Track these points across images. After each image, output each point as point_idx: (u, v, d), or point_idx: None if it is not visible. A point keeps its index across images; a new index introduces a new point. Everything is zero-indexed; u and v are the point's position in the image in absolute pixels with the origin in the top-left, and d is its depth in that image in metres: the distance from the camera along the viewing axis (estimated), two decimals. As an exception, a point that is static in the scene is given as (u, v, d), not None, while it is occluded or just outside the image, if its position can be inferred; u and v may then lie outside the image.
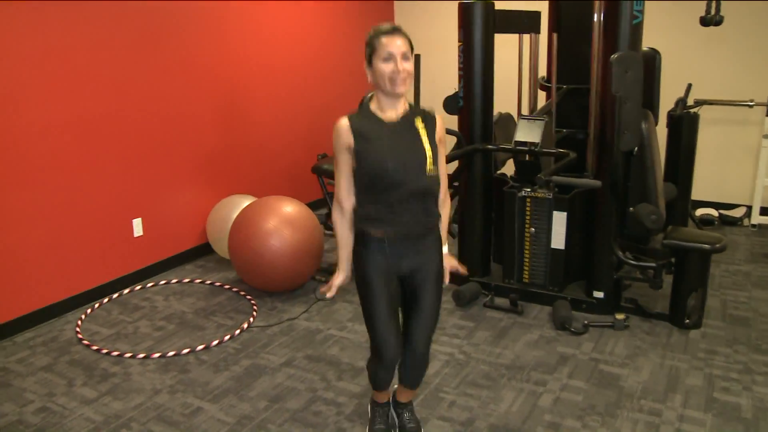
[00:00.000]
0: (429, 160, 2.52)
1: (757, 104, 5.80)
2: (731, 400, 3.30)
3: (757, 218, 6.02)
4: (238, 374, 3.64)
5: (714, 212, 6.23)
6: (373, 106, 2.57)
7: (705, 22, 3.98)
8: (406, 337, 2.74)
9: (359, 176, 2.55)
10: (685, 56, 6.25)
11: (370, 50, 2.47)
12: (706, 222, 6.12)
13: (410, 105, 2.59)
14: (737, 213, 6.22)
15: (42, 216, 4.27)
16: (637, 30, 3.94)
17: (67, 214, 4.41)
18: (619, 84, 3.74)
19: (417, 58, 6.59)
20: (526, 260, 4.48)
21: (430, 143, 2.54)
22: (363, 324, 3.95)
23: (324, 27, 6.75)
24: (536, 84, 5.03)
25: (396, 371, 2.85)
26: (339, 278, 2.70)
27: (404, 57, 2.43)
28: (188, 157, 5.20)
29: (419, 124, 2.55)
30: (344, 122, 2.51)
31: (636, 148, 3.99)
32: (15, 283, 4.17)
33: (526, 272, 4.50)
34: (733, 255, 5.37)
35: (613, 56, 3.75)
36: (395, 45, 2.41)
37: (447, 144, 2.77)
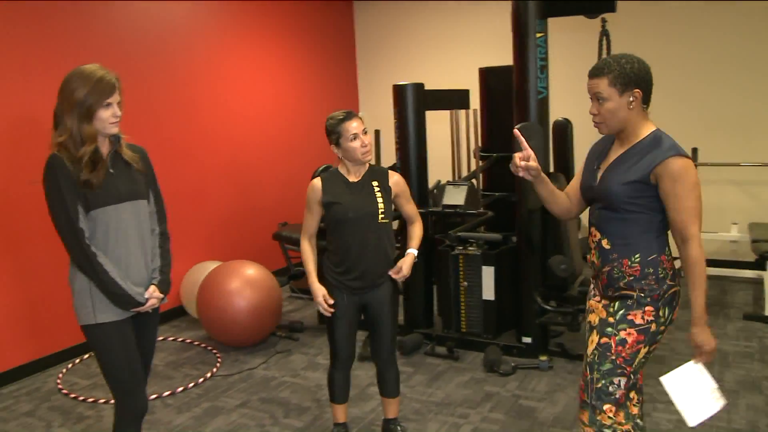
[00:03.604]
0: (380, 212, 3.22)
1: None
2: (629, 425, 3.76)
3: (691, 269, 6.50)
4: (198, 414, 4.12)
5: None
6: (342, 170, 3.30)
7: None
8: (373, 351, 3.46)
9: (328, 222, 3.29)
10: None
11: (337, 136, 3.20)
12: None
13: (369, 167, 3.32)
14: (677, 264, 6.71)
15: (26, 277, 4.81)
16: (542, 103, 4.54)
17: (51, 276, 4.92)
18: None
19: (377, 133, 7.25)
20: (463, 311, 4.98)
21: (383, 198, 3.25)
22: (315, 371, 4.50)
23: (290, 105, 7.42)
24: (472, 154, 5.64)
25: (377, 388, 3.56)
26: (320, 290, 3.27)
27: (364, 132, 3.19)
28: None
29: (374, 183, 3.27)
30: (318, 181, 3.28)
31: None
32: (2, 339, 4.68)
33: (464, 322, 4.99)
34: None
35: (516, 126, 4.35)
36: (354, 126, 3.17)
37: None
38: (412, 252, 3.35)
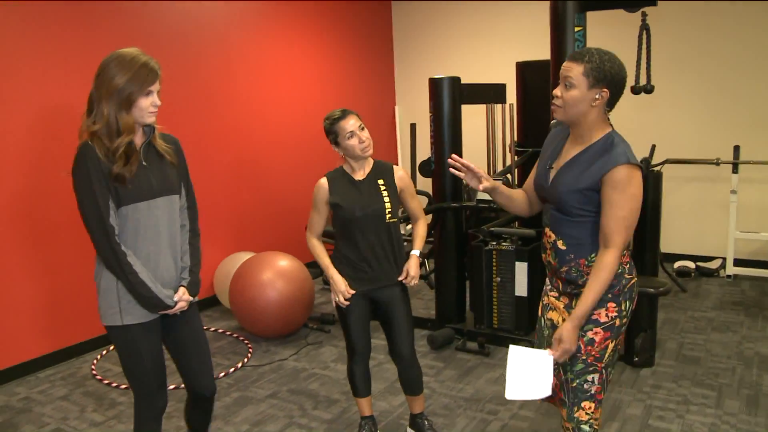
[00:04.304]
0: (387, 211, 3.19)
1: (723, 162, 6.26)
2: (663, 426, 3.67)
3: (731, 269, 6.39)
4: (228, 404, 4.15)
5: (691, 264, 6.62)
6: (346, 168, 3.27)
7: (635, 90, 4.46)
8: (392, 349, 3.40)
9: (335, 222, 3.27)
10: (650, 119, 6.76)
11: (334, 135, 3.18)
12: (682, 273, 6.51)
13: (374, 163, 3.28)
14: (713, 265, 6.60)
15: (66, 264, 4.91)
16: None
17: (89, 264, 4.99)
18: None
19: (413, 127, 7.25)
20: (495, 307, 4.95)
21: (389, 195, 3.21)
22: (344, 364, 4.52)
23: (326, 99, 7.44)
24: (507, 148, 5.60)
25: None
26: (340, 281, 3.23)
27: (361, 129, 3.15)
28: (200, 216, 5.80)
29: (380, 181, 3.23)
30: (324, 181, 3.24)
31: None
32: (39, 325, 4.79)
33: (495, 318, 4.96)
34: (702, 303, 5.75)
35: (552, 122, 4.29)
36: (351, 124, 3.14)
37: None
38: (415, 254, 3.33)
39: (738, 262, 6.44)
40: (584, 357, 2.50)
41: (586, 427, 2.56)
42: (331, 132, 3.18)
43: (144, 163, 2.58)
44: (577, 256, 2.47)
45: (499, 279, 4.86)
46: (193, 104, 5.81)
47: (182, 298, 2.70)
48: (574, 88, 2.35)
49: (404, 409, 3.96)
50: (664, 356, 4.63)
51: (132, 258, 2.53)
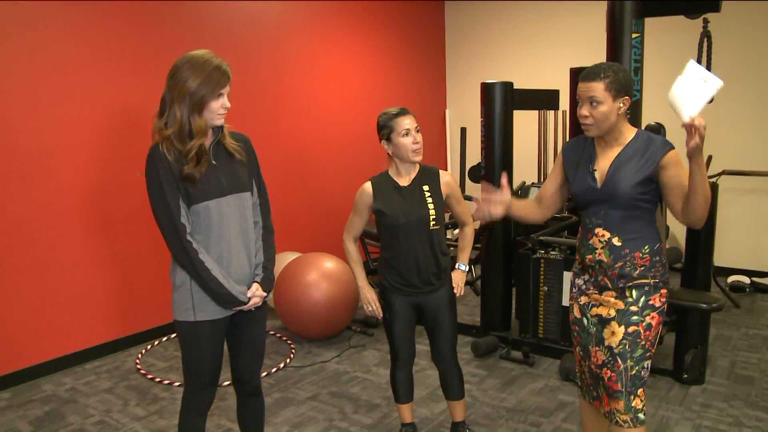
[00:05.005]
0: (431, 218, 3.13)
1: (783, 175, 6.07)
2: (713, 448, 3.59)
3: (788, 285, 6.19)
4: (268, 404, 4.15)
5: (746, 279, 6.42)
6: (392, 172, 3.23)
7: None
8: (434, 354, 3.39)
9: (380, 228, 3.23)
10: (709, 130, 6.56)
11: (388, 130, 3.12)
12: (736, 288, 6.32)
13: (420, 168, 3.23)
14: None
15: (115, 260, 5.00)
16: (635, 106, 4.35)
17: (140, 260, 5.12)
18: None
19: (463, 131, 7.18)
20: (541, 316, 4.86)
21: (434, 202, 3.16)
22: (386, 368, 4.48)
23: (378, 101, 7.41)
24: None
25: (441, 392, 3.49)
26: (370, 293, 3.27)
27: (417, 130, 3.11)
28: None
29: (425, 187, 3.18)
30: (369, 186, 3.21)
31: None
32: (87, 317, 4.87)
33: (541, 327, 4.87)
34: (757, 320, 5.56)
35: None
36: (409, 122, 3.10)
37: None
38: (461, 269, 3.34)
39: (796, 279, 6.24)
40: (643, 342, 2.66)
41: (641, 415, 2.71)
42: (386, 127, 3.12)
43: (213, 162, 2.62)
44: (632, 250, 2.64)
45: (546, 288, 4.78)
46: (244, 103, 5.84)
47: (255, 294, 2.72)
48: (601, 105, 2.56)
49: (446, 417, 3.91)
50: (714, 374, 4.48)
51: (204, 255, 2.57)
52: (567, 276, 4.68)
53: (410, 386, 3.46)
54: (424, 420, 3.90)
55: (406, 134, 3.08)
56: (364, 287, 3.27)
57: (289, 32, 6.29)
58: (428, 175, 3.23)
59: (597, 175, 2.69)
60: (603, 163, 2.69)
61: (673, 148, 2.59)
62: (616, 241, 2.65)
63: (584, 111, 2.60)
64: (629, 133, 2.68)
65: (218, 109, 2.55)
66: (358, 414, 4.03)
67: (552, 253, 4.78)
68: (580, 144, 2.83)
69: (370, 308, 3.25)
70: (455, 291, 3.31)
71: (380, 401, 4.18)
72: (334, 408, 4.11)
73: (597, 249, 2.70)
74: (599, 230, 2.69)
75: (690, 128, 2.30)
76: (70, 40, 4.62)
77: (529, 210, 2.98)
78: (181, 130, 2.51)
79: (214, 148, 2.63)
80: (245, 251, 2.72)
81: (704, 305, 4.27)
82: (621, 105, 2.58)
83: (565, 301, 4.72)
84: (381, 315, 3.27)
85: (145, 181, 2.54)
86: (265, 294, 2.77)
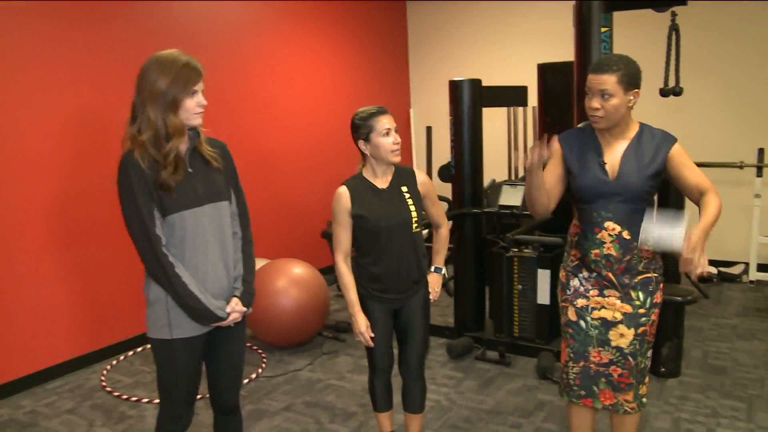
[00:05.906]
0: (413, 220, 3.02)
1: (747, 165, 6.10)
2: (692, 441, 3.57)
3: (754, 274, 6.24)
4: (241, 417, 4.03)
5: (713, 269, 6.47)
6: (366, 173, 3.07)
7: (663, 93, 4.31)
8: (401, 361, 3.25)
9: (359, 234, 3.05)
10: (672, 122, 6.59)
11: (367, 130, 2.95)
12: (704, 279, 6.36)
13: (396, 168, 3.09)
14: (735, 270, 6.46)
15: (75, 274, 4.80)
16: (605, 101, 4.34)
17: (100, 273, 4.93)
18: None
19: (428, 130, 7.11)
20: (515, 315, 4.81)
21: (414, 203, 3.04)
22: (360, 374, 4.38)
23: (341, 102, 7.31)
24: (528, 152, 5.45)
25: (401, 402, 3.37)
26: (364, 320, 3.05)
27: (395, 130, 2.98)
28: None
29: (404, 188, 3.05)
30: (345, 191, 3.01)
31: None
32: (48, 334, 4.66)
33: (516, 326, 4.83)
34: (724, 309, 5.61)
35: (580, 125, 4.15)
36: (388, 122, 2.95)
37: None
38: (439, 273, 3.27)
39: (761, 268, 6.30)
40: (649, 338, 2.80)
41: (645, 400, 2.91)
42: (365, 126, 2.95)
43: (189, 169, 2.48)
44: (639, 243, 2.66)
45: (520, 287, 4.73)
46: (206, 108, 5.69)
47: (235, 309, 2.58)
48: (612, 98, 2.57)
49: (425, 422, 3.83)
50: (689, 366, 4.49)
51: (180, 269, 2.42)
52: (541, 274, 4.63)
53: (389, 394, 3.35)
54: (401, 427, 3.80)
55: (387, 134, 2.94)
56: (357, 315, 3.07)
57: (250, 33, 6.14)
58: (404, 175, 3.10)
59: (608, 168, 2.69)
60: (612, 156, 2.71)
61: (676, 140, 2.67)
62: (625, 235, 2.67)
63: (595, 103, 2.60)
64: (633, 125, 2.72)
65: (194, 107, 2.44)
66: (335, 423, 3.92)
67: (525, 250, 4.72)
68: (580, 136, 2.81)
69: (361, 338, 3.08)
70: (431, 295, 3.21)
71: (356, 409, 4.07)
72: (310, 418, 3.99)
73: (605, 243, 2.70)
74: (609, 224, 2.69)
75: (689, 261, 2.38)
76: (18, 45, 4.42)
77: (544, 188, 2.80)
78: (156, 133, 2.37)
79: (189, 154, 2.50)
80: (223, 264, 2.58)
81: (679, 298, 4.27)
82: (631, 98, 2.61)
83: (540, 299, 4.67)
84: (372, 344, 3.11)
85: (116, 189, 2.40)
86: (245, 309, 2.63)
